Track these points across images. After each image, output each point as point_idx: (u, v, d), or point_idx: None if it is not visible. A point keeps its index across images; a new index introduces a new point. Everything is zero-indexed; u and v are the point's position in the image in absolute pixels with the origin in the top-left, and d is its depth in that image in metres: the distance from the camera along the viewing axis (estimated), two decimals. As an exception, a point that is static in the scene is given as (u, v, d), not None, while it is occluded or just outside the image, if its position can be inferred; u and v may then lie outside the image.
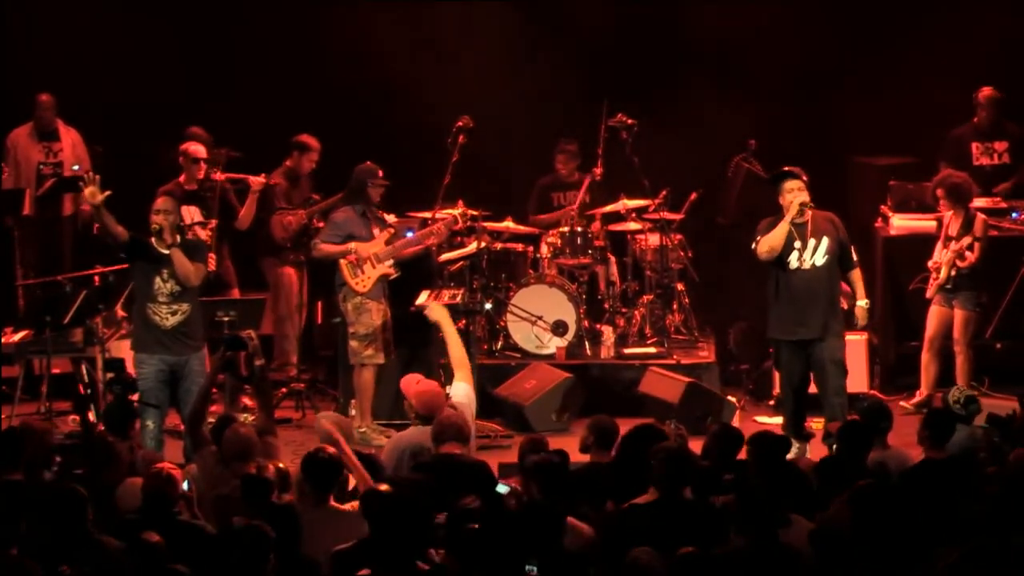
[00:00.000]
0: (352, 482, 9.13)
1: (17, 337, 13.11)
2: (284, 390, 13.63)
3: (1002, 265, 13.75)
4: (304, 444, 11.31)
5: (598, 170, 14.66)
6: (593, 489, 8.89)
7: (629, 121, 14.08)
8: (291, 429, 12.96)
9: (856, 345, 13.22)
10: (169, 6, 15.44)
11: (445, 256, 14.02)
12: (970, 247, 13.21)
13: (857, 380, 13.14)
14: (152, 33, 15.33)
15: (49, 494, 8.03)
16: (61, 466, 9.90)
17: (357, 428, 12.49)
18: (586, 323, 14.10)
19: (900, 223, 14.26)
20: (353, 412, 12.82)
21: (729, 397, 13.43)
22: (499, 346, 14.08)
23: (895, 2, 15.34)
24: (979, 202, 13.89)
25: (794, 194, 11.78)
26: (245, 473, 8.64)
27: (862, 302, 12.06)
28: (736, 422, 12.68)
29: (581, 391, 13.36)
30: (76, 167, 14.48)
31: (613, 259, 14.62)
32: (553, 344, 13.92)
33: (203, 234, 13.36)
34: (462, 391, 10.47)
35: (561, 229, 14.36)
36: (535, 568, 7.33)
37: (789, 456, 9.77)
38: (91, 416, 11.82)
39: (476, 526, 7.59)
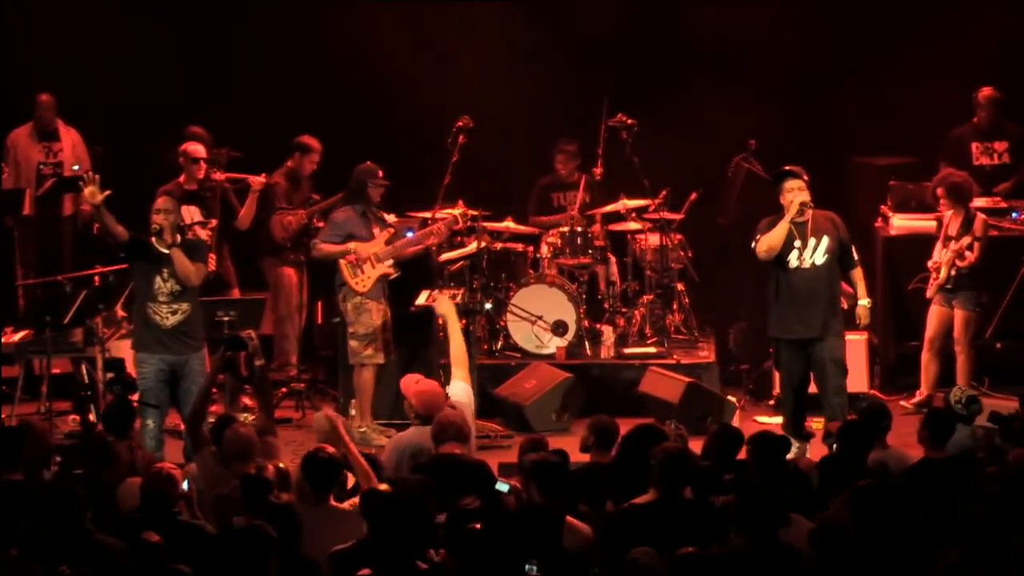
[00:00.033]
0: (351, 480, 9.14)
1: (17, 337, 13.10)
2: (284, 390, 13.63)
3: (1002, 265, 13.75)
4: (304, 444, 11.30)
5: (598, 170, 14.67)
6: (593, 489, 8.89)
7: (629, 121, 14.09)
8: (291, 429, 12.95)
9: (856, 345, 13.22)
10: (169, 6, 15.44)
11: (445, 256, 14.02)
12: (970, 247, 13.21)
13: (857, 380, 13.14)
14: (152, 33, 15.32)
15: (49, 494, 8.03)
16: (61, 466, 9.91)
17: (357, 428, 12.50)
18: (586, 323, 14.10)
19: (900, 223, 14.25)
20: (353, 412, 12.82)
21: (729, 397, 13.43)
22: (499, 346, 14.08)
23: (895, 2, 15.34)
24: (979, 202, 13.89)
25: (794, 193, 11.79)
26: (245, 473, 8.64)
27: (864, 301, 12.06)
28: (736, 422, 12.67)
29: (581, 391, 13.36)
30: (76, 167, 14.47)
31: (613, 259, 14.62)
32: (553, 344, 13.92)
33: (203, 234, 13.36)
34: (460, 389, 10.48)
35: (561, 229, 14.36)
36: (535, 568, 7.33)
37: (789, 456, 9.77)
38: (91, 416, 11.83)
39: (476, 526, 7.59)
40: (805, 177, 11.83)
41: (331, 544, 7.85)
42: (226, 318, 12.50)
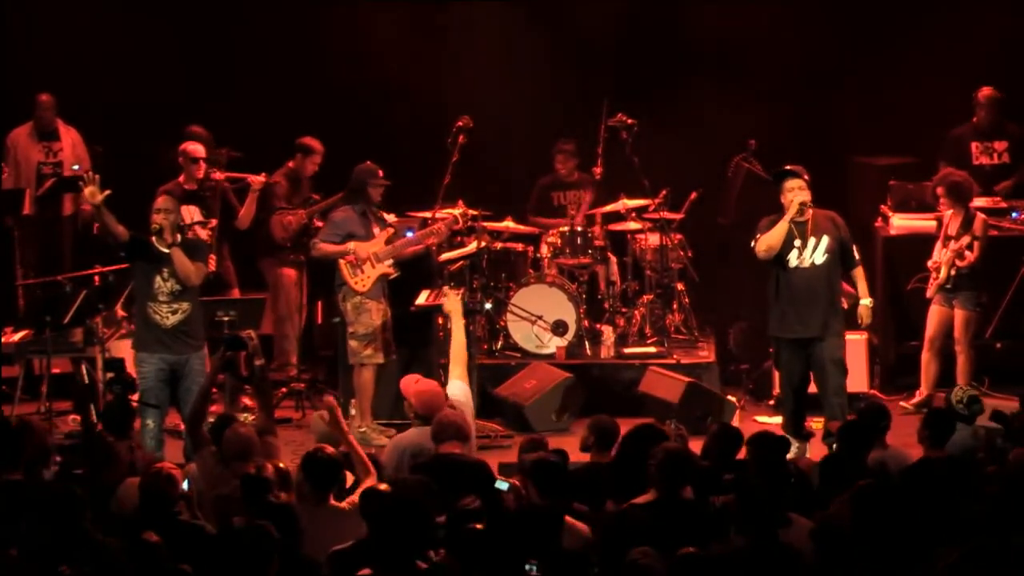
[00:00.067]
0: (350, 479, 9.14)
1: (17, 337, 13.10)
2: (284, 390, 13.63)
3: (1002, 265, 13.75)
4: (304, 444, 11.31)
5: (598, 170, 14.67)
6: (593, 489, 8.89)
7: (629, 121, 14.08)
8: (291, 429, 12.95)
9: (856, 345, 13.22)
10: (169, 6, 15.44)
11: (445, 256, 14.02)
12: (969, 246, 13.20)
13: (857, 380, 13.13)
14: (152, 33, 15.32)
15: (48, 494, 8.02)
16: (61, 466, 9.91)
17: (357, 428, 12.49)
18: (586, 323, 14.10)
19: (900, 223, 14.25)
20: (353, 412, 12.81)
21: (729, 397, 13.42)
22: (499, 346, 14.08)
23: (895, 2, 15.34)
24: (979, 202, 13.89)
25: (795, 193, 11.79)
26: (245, 473, 8.64)
27: (866, 301, 12.05)
28: (736, 422, 12.66)
29: (581, 391, 13.36)
30: (76, 167, 14.47)
31: (613, 259, 14.62)
32: (553, 344, 13.91)
33: (203, 234, 13.37)
34: (458, 389, 10.48)
35: (561, 229, 14.37)
36: (535, 568, 7.33)
37: (789, 456, 9.77)
38: (91, 416, 11.83)
39: (476, 526, 7.59)
40: (805, 176, 11.83)
41: (331, 544, 7.85)
42: (226, 318, 12.50)
